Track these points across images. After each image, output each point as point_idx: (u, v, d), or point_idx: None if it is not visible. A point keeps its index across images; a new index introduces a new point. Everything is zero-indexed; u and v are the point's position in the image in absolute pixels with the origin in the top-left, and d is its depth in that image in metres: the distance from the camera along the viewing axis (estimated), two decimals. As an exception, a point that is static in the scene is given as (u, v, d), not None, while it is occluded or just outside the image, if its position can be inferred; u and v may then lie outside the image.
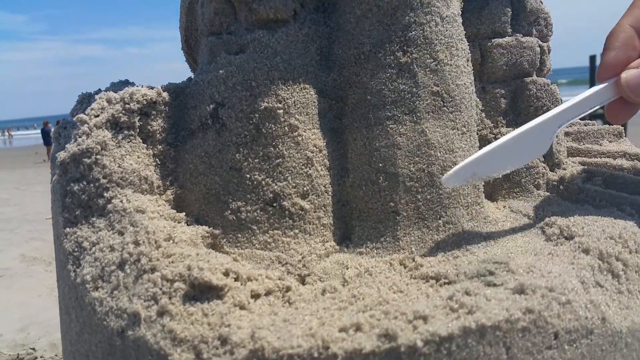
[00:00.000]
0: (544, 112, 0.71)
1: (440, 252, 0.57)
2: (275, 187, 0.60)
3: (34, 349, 2.22)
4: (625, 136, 0.86)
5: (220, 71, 0.62)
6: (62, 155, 0.61)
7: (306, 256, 0.59)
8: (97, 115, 0.62)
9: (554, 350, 0.45)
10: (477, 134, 0.71)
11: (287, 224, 0.60)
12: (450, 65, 0.61)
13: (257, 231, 0.60)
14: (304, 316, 0.48)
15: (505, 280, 0.49)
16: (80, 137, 0.61)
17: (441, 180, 0.57)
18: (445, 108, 0.60)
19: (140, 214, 0.58)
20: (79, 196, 0.60)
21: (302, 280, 0.58)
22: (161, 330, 0.48)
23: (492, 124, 0.71)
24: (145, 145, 0.64)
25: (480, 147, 0.65)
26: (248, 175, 0.61)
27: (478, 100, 0.71)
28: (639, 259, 0.54)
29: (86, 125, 0.61)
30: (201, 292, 0.50)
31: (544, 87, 0.72)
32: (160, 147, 0.64)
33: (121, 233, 0.57)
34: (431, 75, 0.60)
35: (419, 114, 0.59)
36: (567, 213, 0.63)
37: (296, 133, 0.61)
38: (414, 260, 0.56)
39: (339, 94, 0.64)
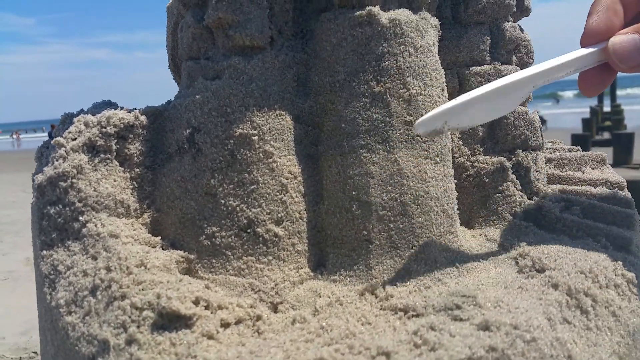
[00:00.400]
0: (522, 141, 0.72)
1: (412, 282, 0.58)
2: (250, 213, 0.61)
3: (36, 352, 2.22)
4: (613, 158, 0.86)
5: (197, 96, 0.63)
6: (39, 178, 0.62)
7: (279, 283, 0.59)
8: (74, 139, 0.62)
9: (516, 387, 0.46)
10: (454, 161, 0.71)
11: (261, 251, 0.60)
12: (424, 95, 0.61)
13: (231, 257, 0.61)
14: (270, 348, 0.48)
15: (471, 315, 0.49)
16: (57, 160, 0.61)
17: (414, 126, 0.57)
18: (418, 137, 0.60)
19: (114, 239, 0.58)
20: (55, 219, 0.60)
21: (275, 308, 0.58)
22: (129, 358, 0.48)
23: (469, 152, 0.71)
24: (122, 169, 0.64)
25: (454, 176, 0.65)
26: (223, 201, 0.61)
27: (455, 127, 0.71)
28: (609, 294, 0.54)
29: (63, 148, 0.61)
30: (169, 321, 0.50)
31: (522, 115, 0.72)
32: (137, 170, 0.65)
33: (95, 258, 0.57)
34: (404, 105, 0.60)
35: (392, 143, 0.60)
36: (541, 244, 0.63)
37: (271, 159, 0.61)
38: (384, 290, 0.56)
39: (315, 120, 0.64)
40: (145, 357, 0.48)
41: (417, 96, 0.60)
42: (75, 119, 0.65)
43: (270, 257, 0.60)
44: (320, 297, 0.57)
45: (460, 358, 0.44)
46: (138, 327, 0.50)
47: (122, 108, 0.68)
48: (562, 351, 0.48)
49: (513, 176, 0.71)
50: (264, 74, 0.62)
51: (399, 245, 0.59)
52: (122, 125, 0.63)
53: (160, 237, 0.63)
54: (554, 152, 0.87)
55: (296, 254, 0.62)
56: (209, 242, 0.61)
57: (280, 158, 0.62)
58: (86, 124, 0.63)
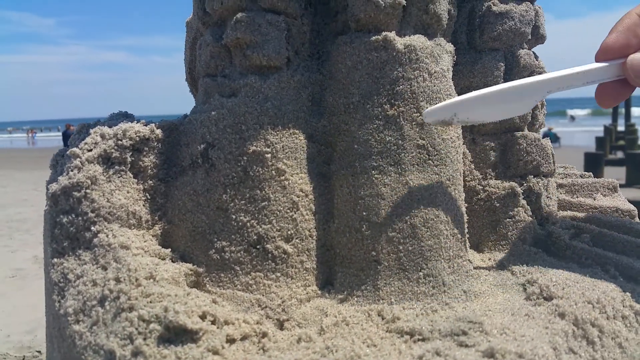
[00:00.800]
0: (533, 167, 0.72)
1: (419, 304, 0.58)
2: (260, 229, 0.61)
3: (40, 351, 2.22)
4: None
5: (213, 112, 0.64)
6: (53, 187, 0.63)
7: (286, 300, 0.59)
8: (90, 150, 0.63)
9: (520, 416, 0.45)
10: (466, 185, 0.71)
11: (270, 267, 0.61)
12: (438, 119, 0.61)
13: (240, 272, 0.61)
14: (277, 365, 0.48)
15: (477, 342, 0.49)
16: (72, 170, 0.62)
17: (423, 114, 0.59)
18: (430, 161, 0.61)
19: (125, 250, 0.59)
20: (68, 228, 0.61)
21: (281, 325, 0.58)
22: (134, 371, 0.49)
23: (481, 176, 0.72)
24: (136, 180, 0.65)
25: (465, 200, 0.65)
26: (234, 216, 0.62)
27: (467, 151, 0.72)
28: (617, 325, 0.54)
29: (78, 159, 0.62)
30: (176, 334, 0.51)
31: (535, 142, 0.73)
32: (151, 182, 0.66)
33: (105, 268, 0.58)
34: (417, 129, 0.61)
35: (403, 166, 0.60)
36: (550, 271, 0.63)
37: (283, 177, 0.62)
38: (391, 312, 0.56)
39: (329, 140, 0.65)
40: (150, 369, 0.48)
41: (430, 120, 0.61)
42: (91, 130, 0.66)
43: (279, 274, 0.61)
44: (326, 316, 0.58)
45: None
46: (144, 339, 0.50)
47: (138, 121, 0.69)
48: None
49: (524, 202, 0.71)
50: (279, 93, 0.63)
51: (407, 267, 0.59)
52: (137, 139, 0.64)
53: (170, 249, 0.63)
54: (566, 177, 0.87)
55: (304, 272, 0.62)
56: (218, 256, 0.62)
57: (292, 176, 0.62)
58: (102, 136, 0.65)
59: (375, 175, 0.60)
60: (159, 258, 0.62)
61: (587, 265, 0.66)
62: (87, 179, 0.61)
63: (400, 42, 0.61)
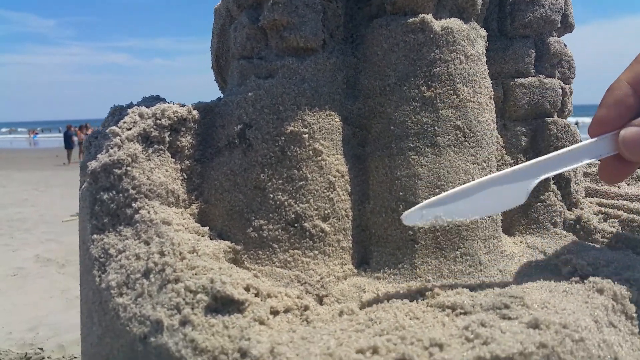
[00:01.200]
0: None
1: (456, 283, 0.58)
2: (298, 208, 0.62)
3: (42, 349, 2.23)
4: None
5: (250, 93, 0.65)
6: (93, 164, 0.63)
7: (324, 277, 0.60)
8: (129, 129, 0.64)
9: (565, 385, 0.46)
10: (497, 170, 0.72)
11: (307, 245, 0.62)
12: (473, 102, 0.63)
13: (278, 250, 0.62)
14: (322, 335, 0.49)
15: (520, 314, 0.50)
16: (112, 148, 0.63)
17: (401, 217, 0.54)
18: (466, 143, 0.62)
19: (166, 226, 0.60)
20: (108, 205, 0.62)
21: (320, 300, 0.59)
22: (183, 339, 0.49)
23: (512, 161, 0.73)
24: (174, 160, 0.66)
25: None
26: (271, 195, 0.62)
27: (499, 137, 0.73)
28: None
29: (118, 137, 0.63)
30: (223, 305, 0.51)
31: (565, 128, 0.74)
32: (187, 162, 0.67)
33: (147, 243, 0.59)
34: (454, 111, 0.62)
35: (440, 147, 0.61)
36: (582, 252, 0.64)
37: (320, 157, 0.63)
38: (430, 289, 0.57)
39: (363, 122, 0.66)
40: (199, 337, 0.49)
41: (466, 102, 0.62)
42: (129, 110, 0.67)
43: (316, 252, 0.62)
44: (365, 292, 0.58)
45: (512, 352, 0.45)
46: (192, 309, 0.51)
47: (172, 103, 0.70)
48: (609, 353, 0.48)
49: (554, 186, 0.72)
50: (315, 75, 0.64)
51: (444, 246, 0.60)
52: (175, 118, 0.65)
53: (207, 228, 0.64)
54: (590, 166, 0.88)
55: (341, 250, 0.63)
56: (256, 235, 0.62)
57: (328, 156, 0.63)
58: (141, 115, 0.66)
59: (412, 157, 0.61)
60: (198, 235, 0.63)
61: (617, 248, 0.66)
62: (128, 157, 0.62)
63: (437, 24, 0.62)
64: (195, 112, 0.67)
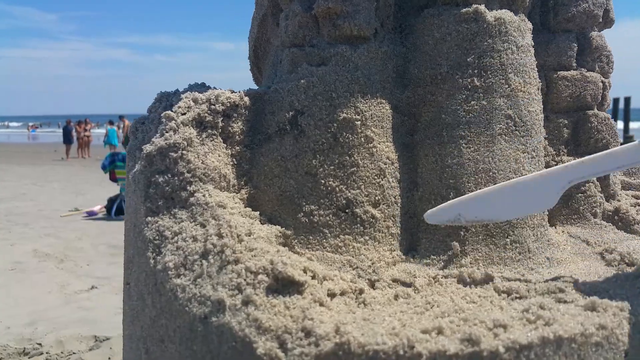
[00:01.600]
0: (603, 145, 0.74)
1: (507, 269, 0.60)
2: (349, 194, 0.63)
3: (40, 344, 2.21)
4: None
5: (302, 81, 0.66)
6: (148, 148, 0.64)
7: (376, 262, 0.62)
8: (184, 113, 0.65)
9: (624, 368, 0.47)
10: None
11: (358, 230, 0.63)
12: (524, 91, 0.64)
13: (329, 235, 0.63)
14: (384, 317, 0.50)
15: (575, 298, 0.51)
16: (167, 132, 0.64)
17: (424, 215, 0.55)
18: (517, 132, 0.63)
19: (222, 209, 0.61)
20: (163, 188, 0.63)
21: (372, 285, 0.60)
22: (246, 318, 0.50)
23: (554, 152, 0.74)
24: (225, 145, 0.67)
25: None
26: (323, 181, 0.63)
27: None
28: None
29: (173, 121, 0.64)
30: (283, 286, 0.52)
31: (605, 120, 0.75)
32: (238, 148, 0.68)
33: (203, 225, 0.60)
34: (505, 100, 0.63)
35: (492, 136, 0.62)
36: (624, 242, 0.65)
37: (371, 144, 0.64)
38: (482, 275, 0.58)
39: (412, 111, 0.67)
40: (262, 317, 0.50)
41: (517, 92, 0.63)
42: (183, 96, 0.68)
43: (367, 237, 0.63)
44: (416, 277, 0.59)
45: (573, 332, 0.46)
46: (254, 289, 0.52)
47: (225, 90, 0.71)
48: None
49: (594, 178, 0.73)
50: (368, 63, 0.65)
51: (494, 233, 0.61)
52: (228, 104, 0.66)
53: (258, 213, 0.65)
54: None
55: (390, 237, 0.64)
56: (306, 220, 0.64)
57: (379, 144, 0.64)
58: (195, 100, 0.67)
59: (463, 145, 0.63)
60: (251, 219, 0.64)
61: (658, 240, 0.68)
62: (184, 141, 0.63)
63: (490, 14, 0.63)
64: (246, 99, 0.68)
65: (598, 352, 0.47)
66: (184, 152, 0.63)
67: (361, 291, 0.56)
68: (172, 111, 0.66)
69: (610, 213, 0.73)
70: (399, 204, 0.65)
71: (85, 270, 3.45)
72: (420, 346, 0.45)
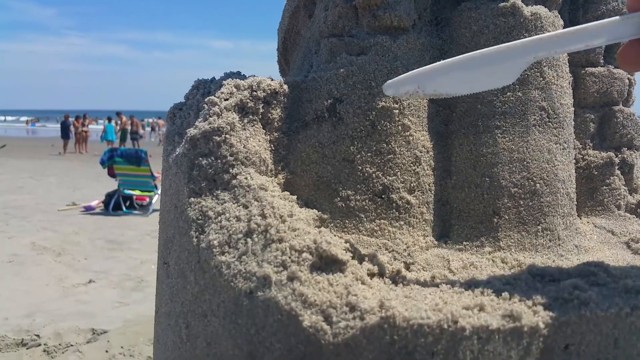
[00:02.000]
0: (627, 141, 0.76)
1: (537, 255, 0.62)
2: (385, 180, 0.65)
3: (38, 335, 2.23)
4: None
5: (341, 69, 0.68)
6: (192, 131, 0.67)
7: (410, 246, 0.64)
8: (227, 99, 0.68)
9: (657, 348, 0.50)
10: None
11: (394, 215, 0.65)
12: (557, 85, 0.66)
13: (365, 219, 0.65)
14: (425, 294, 0.52)
15: (607, 281, 0.54)
16: (211, 116, 0.66)
17: (382, 86, 0.52)
18: (550, 123, 0.65)
19: (264, 191, 0.63)
20: (206, 170, 0.65)
21: (407, 267, 0.62)
22: (292, 293, 0.53)
23: (580, 145, 0.76)
24: (264, 131, 0.69)
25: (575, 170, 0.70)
26: (360, 167, 0.66)
27: (571, 121, 0.76)
28: None
29: (217, 106, 0.67)
30: (326, 264, 0.55)
31: (630, 116, 0.77)
32: (276, 134, 0.70)
33: (246, 206, 0.62)
34: (539, 92, 0.65)
35: (526, 126, 0.64)
36: (649, 233, 0.68)
37: (408, 133, 0.66)
38: (515, 259, 0.60)
39: (447, 101, 0.69)
40: (308, 292, 0.52)
41: (551, 85, 0.65)
42: (224, 82, 0.70)
43: (402, 222, 0.65)
44: (450, 261, 0.62)
45: (610, 312, 0.48)
46: (298, 266, 0.54)
47: (254, 77, 0.73)
48: None
49: (618, 171, 0.75)
50: (407, 54, 0.68)
51: (526, 220, 0.63)
52: (269, 91, 0.69)
53: (295, 197, 0.67)
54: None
55: (424, 222, 0.66)
56: (343, 204, 0.66)
57: (415, 132, 0.67)
58: (237, 87, 0.69)
59: (499, 134, 0.65)
60: (289, 202, 0.66)
61: (680, 233, 0.70)
62: (227, 125, 0.65)
63: (527, 9, 0.65)
64: (285, 87, 0.70)
65: (632, 332, 0.49)
66: (227, 136, 0.65)
67: (399, 272, 0.59)
68: (215, 96, 0.68)
69: (634, 206, 0.75)
70: (432, 191, 0.67)
71: (82, 264, 3.48)
72: (463, 321, 0.47)
